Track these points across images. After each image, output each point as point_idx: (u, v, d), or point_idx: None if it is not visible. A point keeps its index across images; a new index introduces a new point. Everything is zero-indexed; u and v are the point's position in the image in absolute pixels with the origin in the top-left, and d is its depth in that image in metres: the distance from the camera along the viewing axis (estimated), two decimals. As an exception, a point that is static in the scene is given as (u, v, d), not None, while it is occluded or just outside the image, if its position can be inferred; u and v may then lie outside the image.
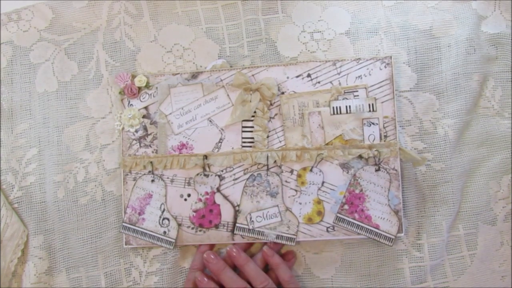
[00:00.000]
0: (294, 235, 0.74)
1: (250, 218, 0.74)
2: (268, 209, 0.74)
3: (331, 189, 0.74)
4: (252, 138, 0.75)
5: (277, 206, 0.74)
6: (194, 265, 0.75)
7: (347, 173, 0.74)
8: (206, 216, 0.75)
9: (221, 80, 0.76)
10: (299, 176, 0.74)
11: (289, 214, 0.74)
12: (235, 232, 0.74)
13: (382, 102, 0.73)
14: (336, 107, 0.74)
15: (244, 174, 0.75)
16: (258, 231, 0.74)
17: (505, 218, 0.76)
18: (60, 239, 0.78)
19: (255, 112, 0.75)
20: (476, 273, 0.76)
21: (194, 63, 0.78)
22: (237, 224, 0.74)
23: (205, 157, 0.75)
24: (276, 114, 0.75)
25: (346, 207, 0.73)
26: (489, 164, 0.77)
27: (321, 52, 0.77)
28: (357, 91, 0.74)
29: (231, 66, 0.77)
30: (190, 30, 0.79)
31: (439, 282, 0.76)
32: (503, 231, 0.76)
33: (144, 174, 0.76)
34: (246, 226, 0.74)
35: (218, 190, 0.75)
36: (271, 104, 0.75)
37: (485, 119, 0.77)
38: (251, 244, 0.76)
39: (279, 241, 0.74)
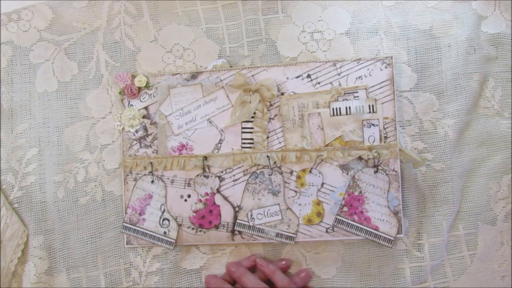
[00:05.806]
0: (294, 234, 0.74)
1: (251, 215, 0.74)
2: (269, 207, 0.74)
3: (330, 190, 0.74)
4: (252, 139, 0.75)
5: (278, 204, 0.74)
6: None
7: (347, 174, 0.74)
8: (206, 217, 0.75)
9: (221, 81, 0.76)
10: (298, 177, 0.74)
11: (290, 213, 0.74)
12: (235, 229, 0.75)
13: (383, 103, 0.73)
14: (336, 108, 0.74)
15: (244, 175, 0.75)
16: (258, 228, 0.74)
17: (505, 218, 0.76)
18: (60, 239, 0.78)
19: (254, 113, 0.75)
20: (476, 273, 0.76)
21: (194, 63, 0.78)
22: (237, 221, 0.75)
23: (205, 158, 0.75)
24: (275, 115, 0.75)
25: (345, 209, 0.73)
26: (489, 164, 0.77)
27: (321, 52, 0.77)
28: (357, 92, 0.74)
29: (231, 66, 0.77)
30: (190, 30, 0.79)
31: (439, 282, 0.76)
32: (503, 231, 0.76)
33: (145, 174, 0.76)
34: (247, 223, 0.74)
35: (218, 191, 0.75)
36: (270, 105, 0.75)
37: (485, 119, 0.77)
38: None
39: (278, 239, 0.74)
